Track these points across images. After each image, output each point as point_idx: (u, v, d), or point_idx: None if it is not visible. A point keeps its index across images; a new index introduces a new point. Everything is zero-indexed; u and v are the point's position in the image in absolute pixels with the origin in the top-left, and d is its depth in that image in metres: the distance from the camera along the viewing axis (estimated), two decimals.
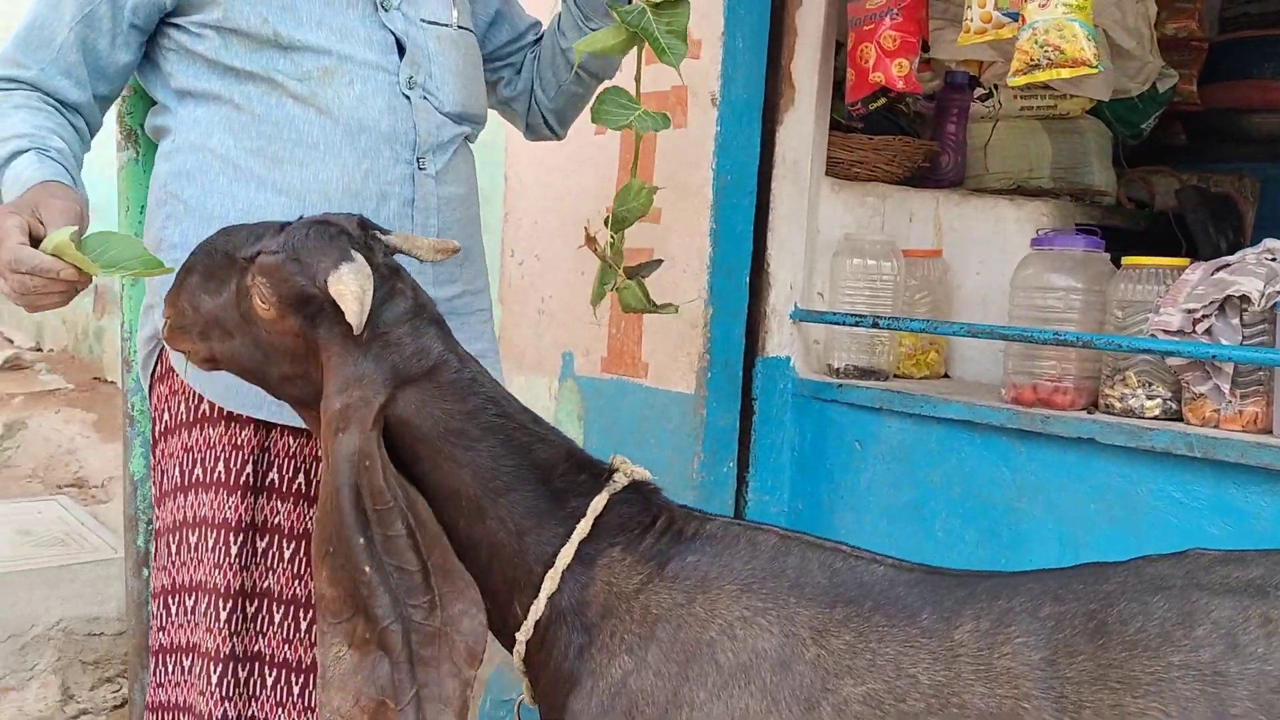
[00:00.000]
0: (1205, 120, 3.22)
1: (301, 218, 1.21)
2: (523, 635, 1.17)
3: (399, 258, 1.25)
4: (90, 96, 1.44)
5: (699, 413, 2.03)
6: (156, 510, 1.52)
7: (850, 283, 2.13)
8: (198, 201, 1.42)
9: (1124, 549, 1.73)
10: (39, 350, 5.41)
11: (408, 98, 1.47)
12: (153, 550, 1.54)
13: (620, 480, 1.20)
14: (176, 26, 1.42)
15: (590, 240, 1.51)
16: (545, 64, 1.72)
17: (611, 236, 1.51)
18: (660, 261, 1.55)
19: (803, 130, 2.08)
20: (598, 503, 1.16)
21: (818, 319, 2.09)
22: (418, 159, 1.48)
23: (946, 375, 2.29)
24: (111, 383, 4.63)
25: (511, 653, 1.20)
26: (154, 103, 1.51)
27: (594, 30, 1.59)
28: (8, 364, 4.90)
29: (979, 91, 2.65)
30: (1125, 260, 1.82)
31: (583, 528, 1.15)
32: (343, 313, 1.12)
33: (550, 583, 1.15)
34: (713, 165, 1.99)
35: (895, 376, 2.17)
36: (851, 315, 2.02)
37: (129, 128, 1.69)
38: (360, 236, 1.19)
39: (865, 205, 2.26)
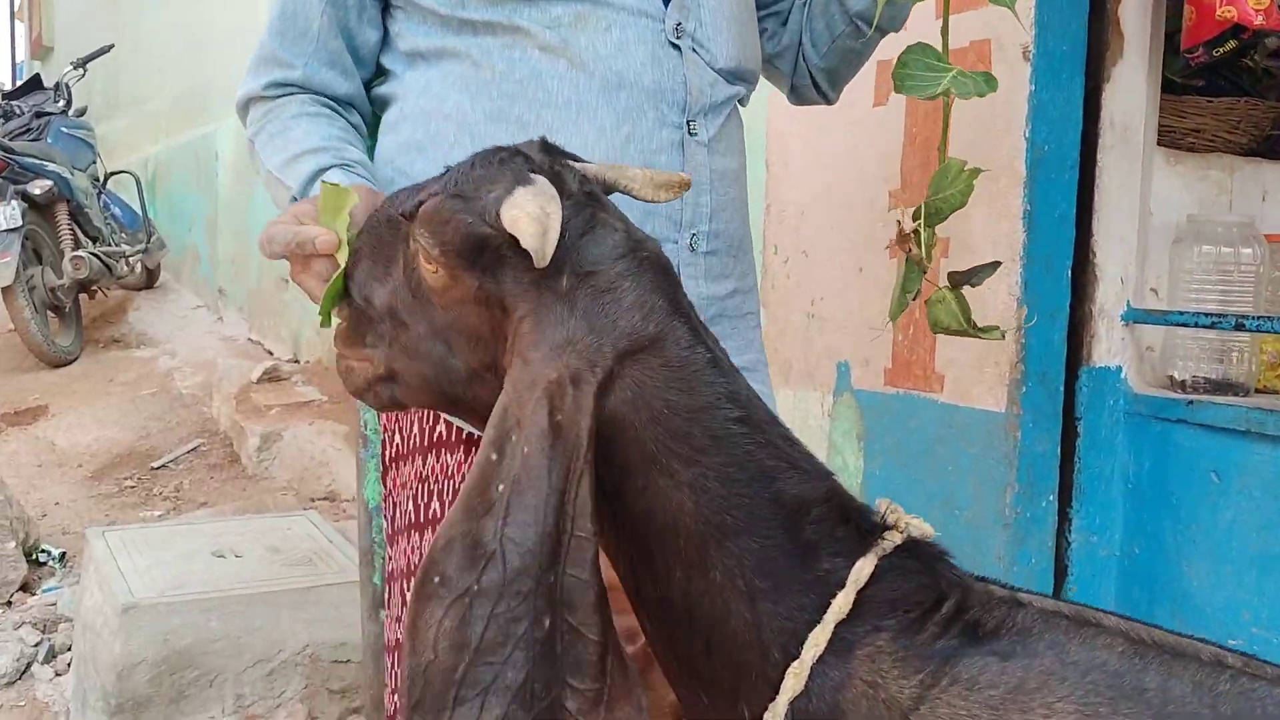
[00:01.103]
0: None
1: None
2: None
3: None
4: (359, 86, 1.30)
5: (1012, 435, 1.69)
6: (390, 549, 1.34)
7: (1197, 275, 1.74)
8: (425, 177, 1.24)
9: None
10: (296, 362, 5.62)
11: (676, 47, 1.22)
12: (385, 595, 1.37)
13: (893, 537, 0.84)
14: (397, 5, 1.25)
15: (904, 238, 1.21)
16: (816, 13, 1.43)
17: (923, 233, 1.20)
18: (997, 264, 1.23)
19: (1133, 89, 1.71)
20: (863, 568, 0.82)
21: (1160, 320, 1.70)
22: (688, 122, 1.23)
23: None
24: None
25: None
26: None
27: None
28: (267, 376, 5.08)
29: None
30: None
31: (842, 602, 0.81)
32: (521, 260, 0.84)
33: (795, 679, 0.81)
34: (1026, 133, 1.65)
35: (1256, 391, 1.75)
36: (1204, 315, 1.63)
37: None
38: (544, 161, 0.90)
39: (1208, 180, 1.85)
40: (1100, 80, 1.70)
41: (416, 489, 1.27)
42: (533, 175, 0.86)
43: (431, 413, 1.24)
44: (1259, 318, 1.59)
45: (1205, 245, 1.73)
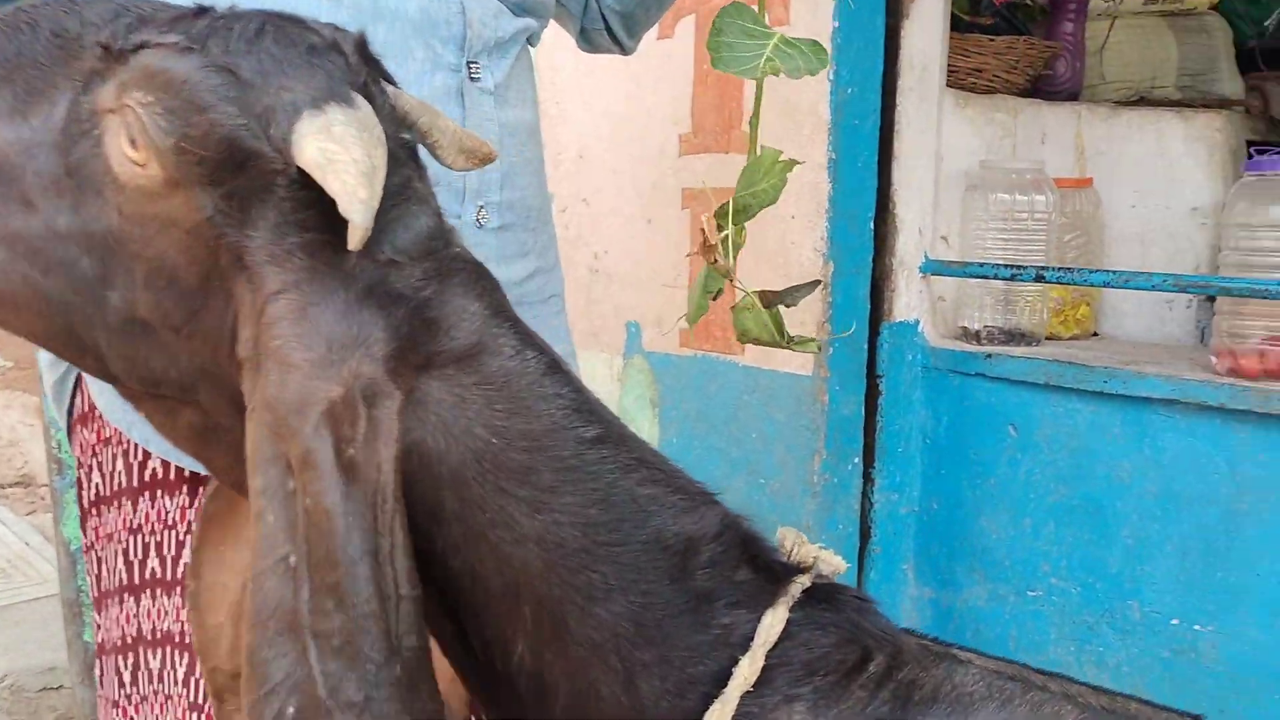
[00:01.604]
0: None
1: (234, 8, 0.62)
2: None
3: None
4: None
5: (819, 399, 1.59)
6: (97, 615, 1.04)
7: (988, 223, 1.69)
8: None
9: None
10: None
11: None
12: (96, 672, 1.06)
13: (804, 580, 0.66)
14: None
15: (707, 248, 1.01)
16: None
17: (731, 233, 1.01)
18: (817, 283, 1.06)
19: (931, 25, 1.62)
20: (771, 623, 0.64)
21: (960, 272, 1.65)
22: (468, 64, 0.98)
23: (1095, 334, 1.87)
24: None
25: None
26: None
27: None
28: None
29: None
30: None
31: (748, 670, 0.63)
32: (313, 209, 0.58)
33: None
34: (830, 74, 1.53)
35: (1045, 339, 1.74)
36: (1006, 267, 1.58)
37: None
38: (359, 75, 0.62)
39: (994, 124, 1.81)
40: (900, 17, 1.59)
41: (128, 542, 0.97)
42: (355, 96, 0.59)
43: (139, 447, 0.94)
44: (1059, 269, 1.56)
45: (997, 192, 1.68)
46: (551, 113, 1.92)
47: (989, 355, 1.63)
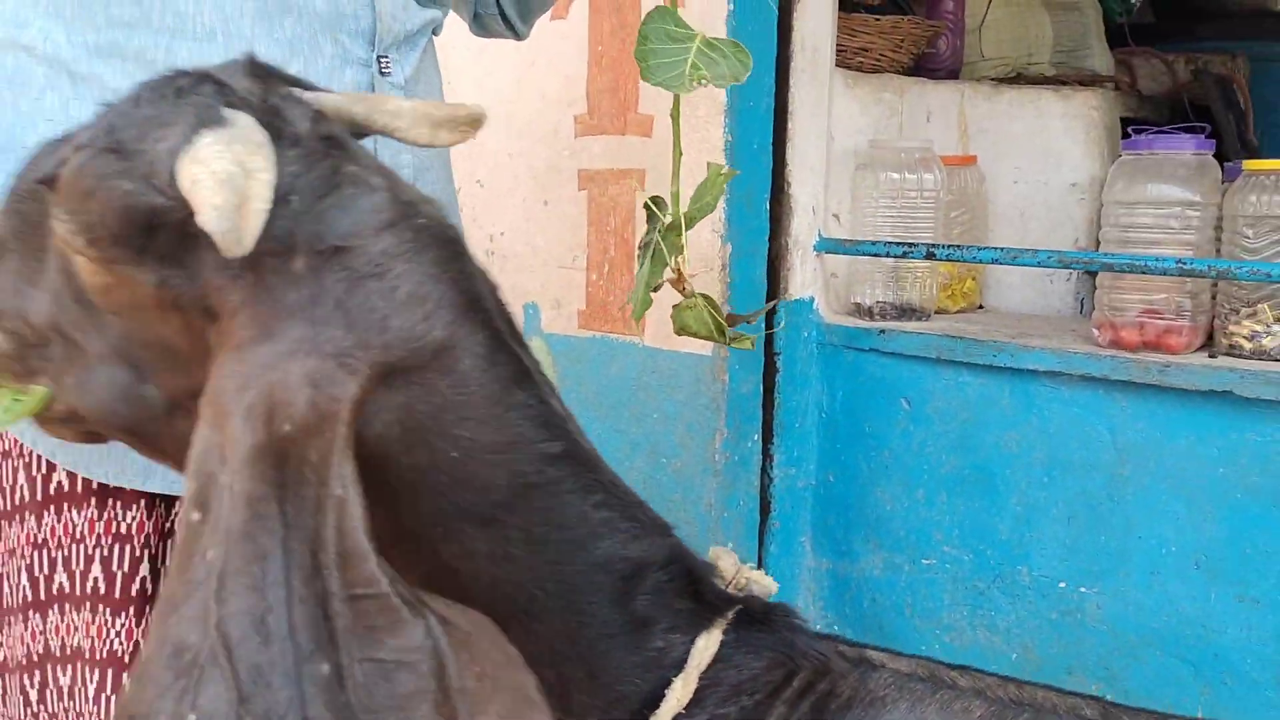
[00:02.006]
0: None
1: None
2: None
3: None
4: None
5: (720, 378, 1.59)
6: None
7: (878, 200, 1.72)
8: (10, 135, 0.87)
9: (1263, 524, 1.43)
10: None
11: None
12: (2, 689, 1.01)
13: (732, 598, 0.69)
14: None
15: (681, 281, 1.02)
16: None
17: (684, 239, 1.02)
18: (776, 303, 1.08)
19: (821, 8, 1.63)
20: (705, 646, 0.66)
21: (853, 250, 1.68)
22: (378, 58, 0.95)
23: (981, 307, 1.93)
24: None
25: None
26: None
27: None
28: None
29: None
30: (1249, 165, 1.47)
31: (680, 692, 0.64)
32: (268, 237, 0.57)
33: None
34: None
35: (934, 313, 1.79)
36: (897, 244, 1.62)
37: None
38: (252, 90, 0.61)
39: (882, 103, 1.84)
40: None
41: (32, 557, 0.92)
42: (228, 113, 0.57)
43: (43, 459, 0.90)
44: (949, 246, 1.60)
45: (887, 171, 1.71)
46: (446, 94, 1.87)
47: (882, 331, 1.67)
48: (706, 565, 0.70)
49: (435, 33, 1.08)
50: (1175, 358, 1.44)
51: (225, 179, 0.54)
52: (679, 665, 0.65)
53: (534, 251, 1.80)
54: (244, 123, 0.57)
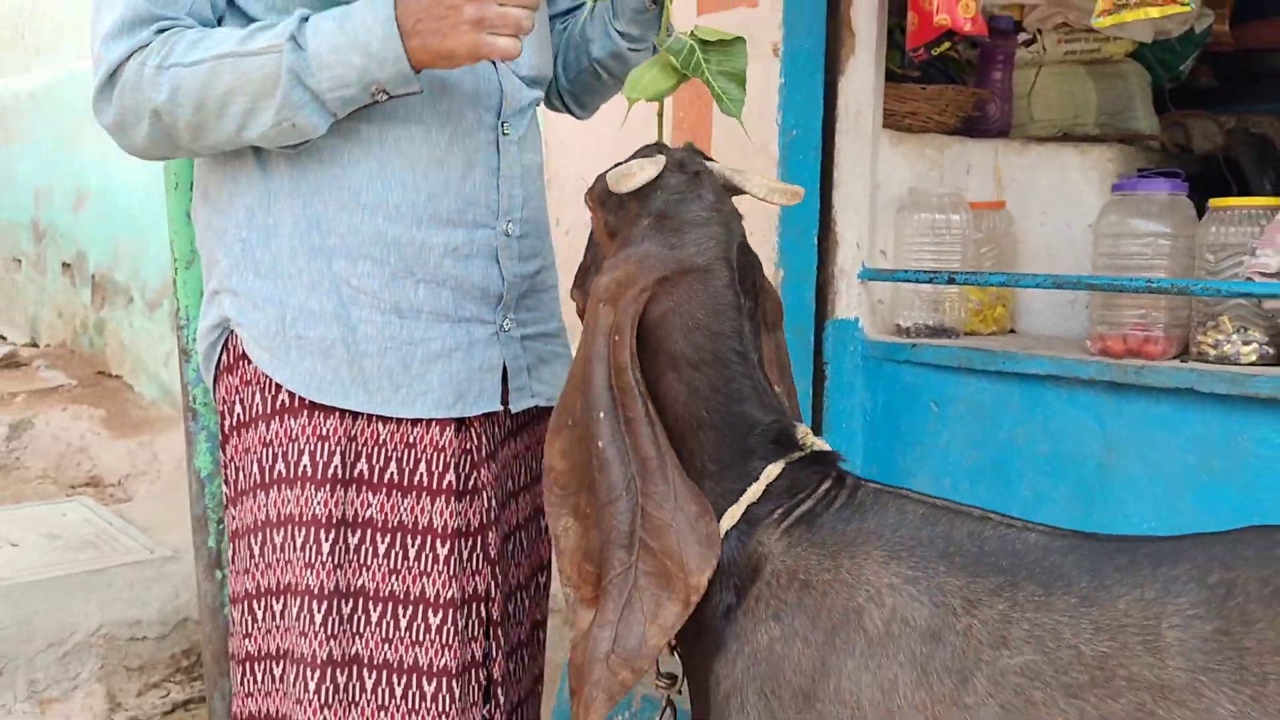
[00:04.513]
0: (1237, 61, 3.16)
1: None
2: None
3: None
4: None
5: None
6: (232, 510, 1.42)
7: (916, 238, 2.06)
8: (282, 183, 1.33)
9: (1226, 501, 1.68)
10: (35, 346, 5.25)
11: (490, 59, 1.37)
12: (228, 552, 1.45)
13: (800, 450, 1.16)
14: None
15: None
16: (570, 45, 1.60)
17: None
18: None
19: (864, 79, 2.00)
20: (773, 469, 1.13)
21: (889, 277, 2.02)
22: (501, 123, 1.38)
23: (1012, 331, 2.23)
24: (117, 377, 4.50)
25: None
26: None
27: (622, 35, 1.49)
28: (4, 361, 4.75)
29: (1022, 37, 2.57)
30: (1214, 202, 1.76)
31: (754, 491, 1.13)
32: (644, 201, 1.17)
33: None
34: (778, 120, 1.91)
35: (965, 334, 2.10)
36: (924, 273, 1.95)
37: None
38: (681, 154, 1.22)
39: (924, 158, 2.18)
40: (837, 74, 1.98)
41: (261, 453, 1.36)
42: (656, 155, 1.18)
43: (273, 382, 1.33)
44: (965, 273, 1.93)
45: (923, 213, 2.05)
46: (556, 149, 2.32)
47: (914, 345, 2.00)
48: (793, 429, 1.18)
49: (537, 104, 1.50)
50: (1151, 362, 1.73)
51: (624, 170, 1.17)
52: (757, 479, 1.14)
53: None
54: (658, 159, 1.18)
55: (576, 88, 1.62)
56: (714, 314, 1.14)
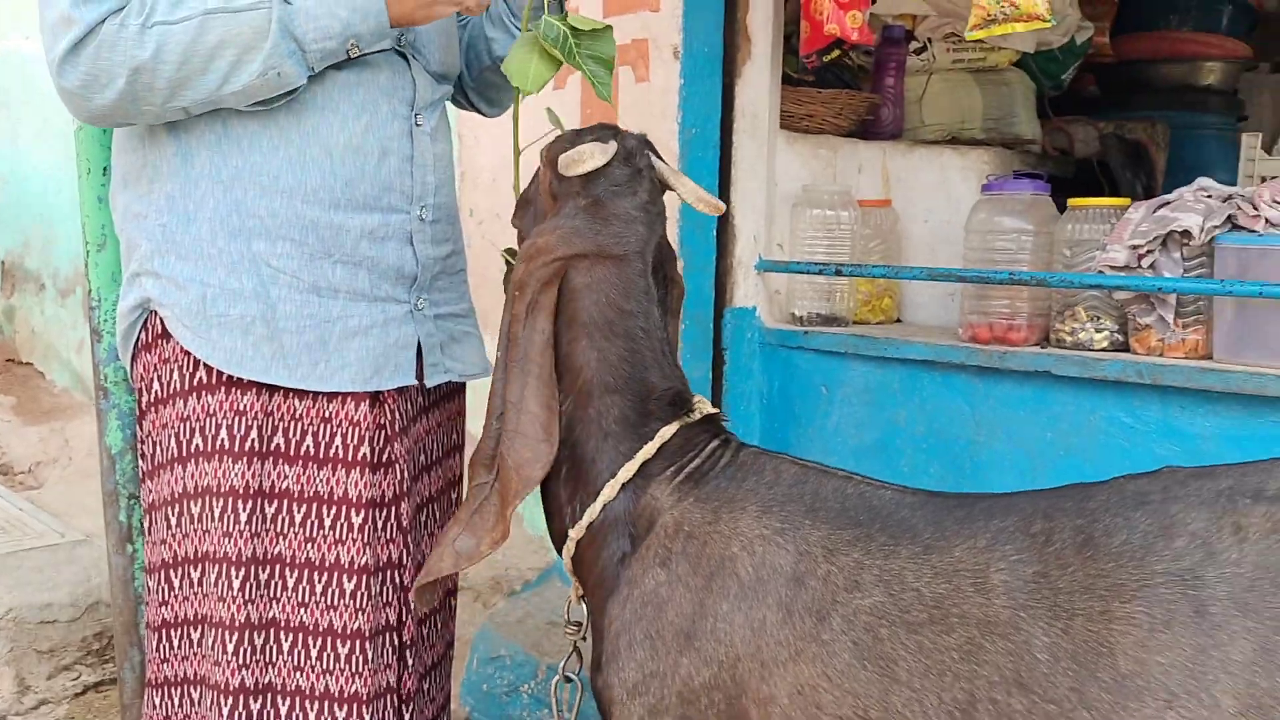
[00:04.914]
0: (1117, 71, 3.39)
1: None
2: (575, 534, 1.30)
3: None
4: None
5: None
6: (149, 483, 1.49)
7: (809, 233, 2.20)
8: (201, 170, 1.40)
9: (1078, 474, 1.83)
10: None
11: (401, 55, 1.46)
12: (144, 525, 1.52)
13: (694, 415, 1.32)
14: None
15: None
16: (472, 44, 1.70)
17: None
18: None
19: (760, 83, 2.13)
20: (667, 430, 1.29)
21: (783, 269, 2.15)
22: (415, 115, 1.47)
23: (899, 320, 2.38)
24: (28, 364, 4.44)
25: (561, 552, 1.34)
26: None
27: (519, 30, 1.57)
28: None
29: (913, 45, 2.73)
30: (1072, 202, 1.93)
31: (648, 449, 1.28)
32: (587, 182, 1.30)
33: (610, 490, 1.27)
34: (678, 119, 2.03)
35: (854, 323, 2.25)
36: (815, 264, 2.09)
37: None
38: (633, 145, 1.34)
39: (818, 157, 2.33)
40: (734, 77, 2.11)
41: (179, 427, 1.43)
42: (611, 140, 1.31)
43: (192, 359, 1.41)
44: (852, 266, 2.07)
45: (815, 209, 2.19)
46: (470, 142, 2.41)
47: (806, 333, 2.14)
48: (689, 396, 1.33)
49: (447, 98, 1.60)
50: (1014, 348, 1.89)
51: (583, 152, 1.29)
52: (653, 439, 1.28)
53: None
54: (611, 144, 1.30)
55: (480, 85, 1.72)
56: (625, 295, 1.29)
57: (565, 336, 1.29)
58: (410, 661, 1.55)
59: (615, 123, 1.41)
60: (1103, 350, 1.85)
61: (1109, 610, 0.99)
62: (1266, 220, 1.72)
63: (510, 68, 1.41)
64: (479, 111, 1.78)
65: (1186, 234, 1.75)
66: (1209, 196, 1.80)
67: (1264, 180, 1.91)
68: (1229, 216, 1.75)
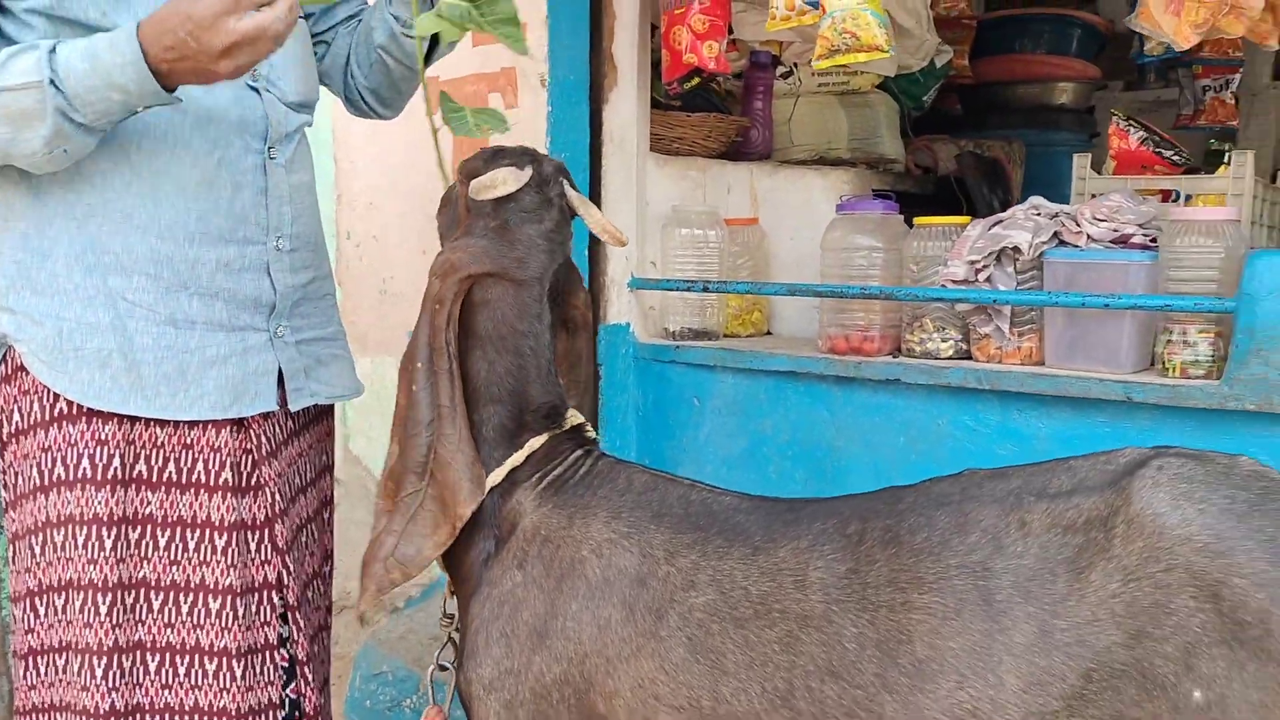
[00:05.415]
0: (977, 92, 3.57)
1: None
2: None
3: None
4: None
5: None
6: (11, 513, 1.49)
7: (679, 251, 2.29)
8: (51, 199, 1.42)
9: (928, 474, 1.94)
10: None
11: (254, 89, 1.50)
12: (10, 554, 1.52)
13: (564, 426, 1.40)
14: (2, 11, 1.35)
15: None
16: (360, 40, 1.71)
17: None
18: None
19: (626, 108, 2.22)
20: (536, 441, 1.37)
21: (654, 286, 2.24)
22: (269, 148, 1.51)
23: (769, 333, 2.49)
24: None
25: None
26: None
27: (396, 19, 1.60)
28: None
29: (780, 70, 2.85)
30: (916, 221, 2.05)
31: (517, 457, 1.36)
32: (498, 205, 1.36)
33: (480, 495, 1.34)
34: (547, 144, 2.10)
35: (725, 336, 2.35)
36: (684, 281, 2.18)
37: None
38: (549, 169, 1.41)
39: (688, 179, 2.42)
40: (601, 103, 2.19)
41: (40, 458, 1.44)
42: (525, 167, 1.39)
43: (52, 391, 1.43)
44: (718, 282, 2.17)
45: (685, 228, 2.28)
46: (346, 167, 2.45)
47: (678, 347, 2.23)
48: (563, 409, 1.40)
49: (308, 125, 1.64)
50: (868, 359, 2.00)
51: (495, 177, 1.34)
52: (522, 449, 1.35)
53: (416, 291, 2.35)
54: (526, 170, 1.36)
55: (373, 83, 1.73)
56: (520, 316, 1.36)
57: (464, 344, 1.36)
58: (309, 675, 1.58)
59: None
60: (948, 359, 1.97)
61: (909, 601, 1.08)
62: (1089, 236, 1.87)
63: (422, 31, 1.43)
64: (377, 114, 1.79)
65: (1017, 250, 1.89)
66: (1039, 214, 1.94)
67: (1093, 197, 2.06)
68: (1055, 233, 1.89)
